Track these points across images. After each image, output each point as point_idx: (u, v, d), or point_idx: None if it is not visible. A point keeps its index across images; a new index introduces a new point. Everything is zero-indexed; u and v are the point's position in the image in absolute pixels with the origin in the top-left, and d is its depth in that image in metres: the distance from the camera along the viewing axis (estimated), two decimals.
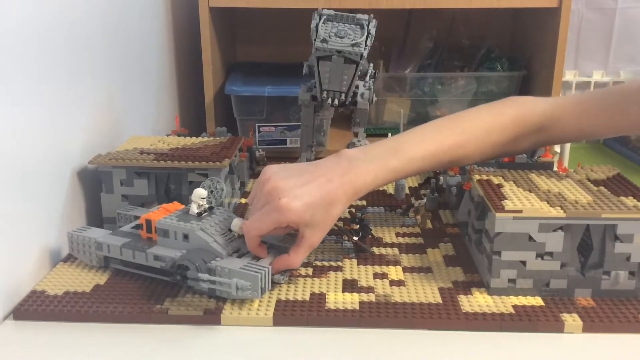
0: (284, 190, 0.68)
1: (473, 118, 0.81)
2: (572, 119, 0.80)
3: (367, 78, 0.96)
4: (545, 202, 0.69)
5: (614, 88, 0.82)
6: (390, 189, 1.06)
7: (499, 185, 0.74)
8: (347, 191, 0.71)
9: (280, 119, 1.28)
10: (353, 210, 0.84)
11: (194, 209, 0.73)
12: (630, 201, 0.69)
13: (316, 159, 1.19)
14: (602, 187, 0.74)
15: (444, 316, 0.65)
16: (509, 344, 0.63)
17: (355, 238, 0.80)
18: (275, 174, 0.71)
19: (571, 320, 0.65)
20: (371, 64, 0.95)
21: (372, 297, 0.69)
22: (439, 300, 0.69)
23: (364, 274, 0.75)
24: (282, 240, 0.75)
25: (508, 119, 0.81)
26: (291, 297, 0.69)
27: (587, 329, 0.64)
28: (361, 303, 0.68)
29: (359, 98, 0.96)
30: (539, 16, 1.32)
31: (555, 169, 0.84)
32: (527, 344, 0.63)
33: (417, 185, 1.09)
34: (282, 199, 0.67)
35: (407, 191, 1.04)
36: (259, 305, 0.67)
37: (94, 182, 0.89)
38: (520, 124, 0.81)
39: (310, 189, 0.69)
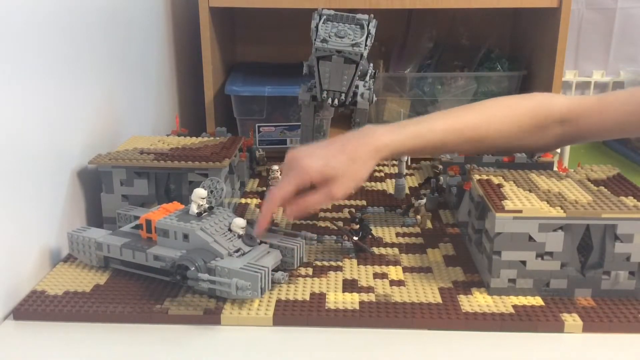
0: (304, 154, 0.71)
1: (496, 102, 0.83)
2: (594, 113, 0.80)
3: (367, 78, 0.96)
4: (545, 202, 0.69)
5: (635, 88, 0.83)
6: (390, 189, 1.06)
7: (499, 185, 0.74)
8: (368, 149, 0.73)
9: (280, 119, 1.28)
10: (353, 210, 0.84)
11: (194, 209, 0.73)
12: (630, 201, 0.69)
13: None
14: (602, 187, 0.74)
15: (444, 316, 0.65)
16: (509, 344, 0.63)
17: (355, 238, 0.80)
18: (296, 148, 0.74)
19: (571, 320, 0.65)
20: (371, 64, 0.94)
21: (372, 297, 0.69)
22: (439, 300, 0.69)
23: (364, 274, 0.75)
24: (282, 240, 0.75)
25: (530, 104, 0.81)
26: (291, 297, 0.69)
27: (587, 329, 0.64)
28: (361, 303, 0.68)
29: (359, 98, 0.96)
30: (539, 16, 1.32)
31: (555, 169, 0.84)
32: (527, 344, 0.63)
33: (417, 185, 1.09)
34: (302, 160, 0.70)
35: (407, 191, 1.04)
36: (259, 305, 0.67)
37: (94, 182, 0.89)
38: (543, 112, 0.81)
39: (330, 149, 0.72)
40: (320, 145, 0.75)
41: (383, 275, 0.75)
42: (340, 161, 0.71)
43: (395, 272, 0.76)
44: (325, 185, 0.71)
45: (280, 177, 1.00)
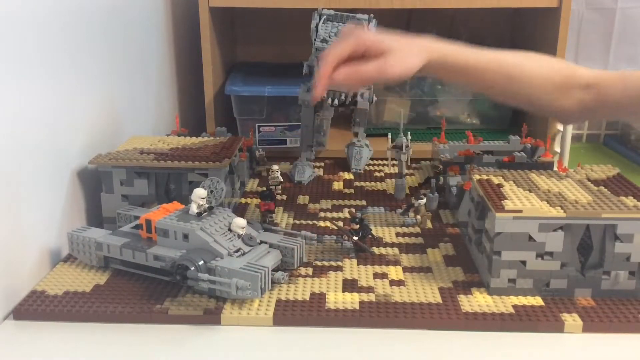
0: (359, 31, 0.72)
1: (531, 53, 0.84)
2: (616, 83, 0.81)
3: None
4: (545, 202, 0.69)
5: None
6: (390, 189, 1.06)
7: (499, 185, 0.74)
8: (420, 42, 0.74)
9: (280, 119, 1.28)
10: (353, 210, 0.84)
11: (194, 208, 0.73)
12: (630, 201, 0.69)
13: (316, 158, 1.20)
14: (602, 187, 0.74)
15: (444, 316, 0.65)
16: (509, 344, 0.63)
17: (355, 238, 0.80)
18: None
19: (571, 320, 0.65)
20: None
21: (372, 297, 0.69)
22: (439, 300, 0.69)
23: (364, 274, 0.75)
24: (282, 240, 0.75)
25: (560, 64, 0.84)
26: (291, 297, 0.69)
27: (587, 329, 0.64)
28: (361, 303, 0.68)
29: (359, 98, 0.96)
30: (539, 16, 1.32)
31: (555, 169, 0.84)
32: (527, 344, 0.63)
33: (417, 185, 1.09)
34: (361, 31, 0.71)
35: (407, 191, 1.04)
36: (259, 305, 0.67)
37: (94, 182, 0.89)
38: (571, 72, 0.82)
39: (384, 35, 0.72)
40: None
41: (383, 275, 0.75)
42: (396, 39, 0.71)
43: (395, 272, 0.76)
44: (381, 56, 0.69)
45: (278, 176, 1.00)
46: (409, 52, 0.72)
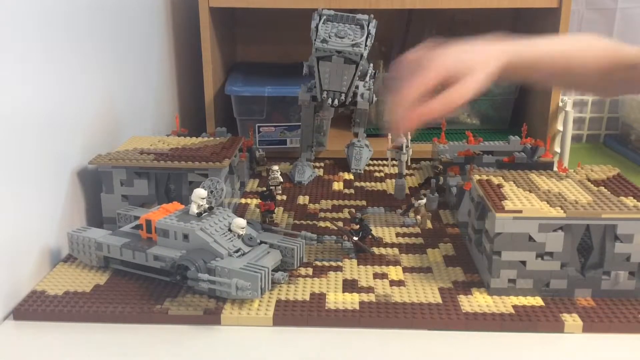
0: (430, 54, 0.66)
1: (582, 36, 0.82)
2: None
3: (367, 78, 0.96)
4: (545, 202, 0.69)
5: None
6: (390, 189, 1.06)
7: (499, 185, 0.74)
8: (494, 47, 0.70)
9: (280, 119, 1.28)
10: (353, 210, 0.84)
11: (194, 209, 0.73)
12: (630, 201, 0.69)
13: (316, 158, 1.20)
14: (602, 187, 0.74)
15: (444, 316, 0.65)
16: (509, 344, 0.63)
17: (355, 238, 0.80)
18: (414, 51, 0.70)
19: (571, 320, 0.65)
20: (371, 64, 0.95)
21: (372, 297, 0.69)
22: (439, 300, 0.69)
23: (364, 274, 0.75)
24: (282, 240, 0.75)
25: (605, 41, 0.80)
26: (291, 297, 0.69)
27: (587, 329, 0.64)
28: (361, 303, 0.68)
29: (359, 98, 0.96)
30: (539, 16, 1.32)
31: (555, 169, 0.84)
32: (527, 344, 0.63)
33: (417, 185, 1.09)
34: (432, 58, 0.65)
35: (407, 191, 1.04)
36: (259, 305, 0.67)
37: (94, 182, 0.89)
38: (617, 51, 0.79)
39: (457, 48, 0.68)
40: (443, 45, 0.69)
41: (383, 275, 0.75)
42: (471, 54, 0.67)
43: (395, 272, 0.76)
44: (455, 82, 0.65)
45: (278, 176, 1.00)
46: (485, 66, 0.68)
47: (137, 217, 0.78)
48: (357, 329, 0.65)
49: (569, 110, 1.34)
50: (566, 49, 0.78)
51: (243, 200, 1.01)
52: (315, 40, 0.88)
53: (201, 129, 1.22)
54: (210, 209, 0.74)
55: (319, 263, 0.78)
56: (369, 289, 0.71)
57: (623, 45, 0.81)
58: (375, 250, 0.82)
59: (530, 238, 0.67)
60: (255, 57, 1.61)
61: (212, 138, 0.99)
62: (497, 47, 0.71)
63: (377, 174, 1.15)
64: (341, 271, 0.76)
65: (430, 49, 0.67)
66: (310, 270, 0.76)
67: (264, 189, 0.96)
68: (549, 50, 0.76)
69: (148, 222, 0.73)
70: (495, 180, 0.76)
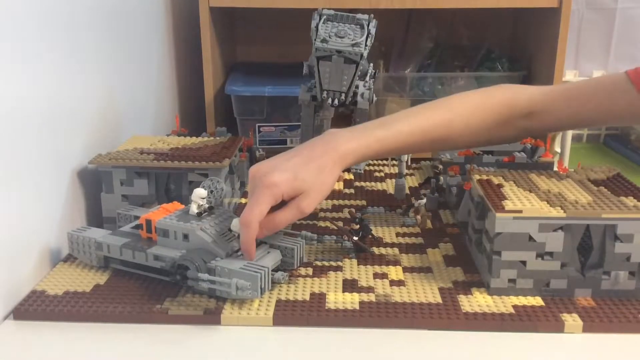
0: (269, 169, 0.69)
1: (462, 98, 0.82)
2: (560, 104, 0.80)
3: (367, 78, 0.96)
4: (545, 202, 0.69)
5: (604, 77, 0.82)
6: (390, 189, 1.06)
7: (499, 185, 0.74)
8: (332, 156, 0.71)
9: (280, 119, 1.28)
10: (353, 210, 0.84)
11: (194, 209, 0.73)
12: (630, 201, 0.69)
13: None
14: (602, 187, 0.74)
15: (444, 316, 0.65)
16: (509, 344, 0.63)
17: (355, 238, 0.80)
18: (259, 163, 0.72)
19: (571, 320, 0.65)
20: (371, 64, 0.95)
21: (372, 297, 0.69)
22: (439, 300, 0.69)
23: (364, 274, 0.75)
24: (282, 240, 0.75)
25: (496, 100, 0.81)
26: (291, 297, 0.69)
27: (587, 329, 0.64)
28: (361, 303, 0.68)
29: (359, 98, 0.96)
30: (539, 16, 1.32)
31: (555, 169, 0.84)
32: (527, 344, 0.63)
33: (417, 185, 1.09)
34: (269, 176, 0.67)
35: (407, 191, 1.04)
36: (259, 305, 0.67)
37: (94, 182, 0.89)
38: (509, 107, 0.80)
39: (295, 161, 0.70)
40: (284, 156, 0.71)
41: (383, 275, 0.75)
42: (308, 172, 0.69)
43: (395, 272, 0.76)
44: (295, 199, 0.69)
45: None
46: (322, 184, 0.70)
47: (137, 217, 0.78)
48: (357, 329, 0.65)
49: None
50: (431, 126, 0.78)
51: (243, 200, 1.01)
52: (315, 40, 0.88)
53: (201, 128, 1.22)
54: (211, 208, 0.74)
55: (319, 263, 0.78)
56: (369, 289, 0.71)
57: (524, 92, 0.82)
58: (375, 250, 0.82)
59: (530, 238, 0.67)
60: (255, 57, 1.61)
61: (212, 138, 0.99)
62: (342, 150, 0.72)
63: (377, 174, 1.15)
64: (341, 271, 0.76)
65: (265, 171, 0.69)
66: (310, 270, 0.76)
67: None
68: (398, 137, 0.76)
69: (148, 222, 0.73)
70: (495, 180, 0.76)
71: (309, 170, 0.69)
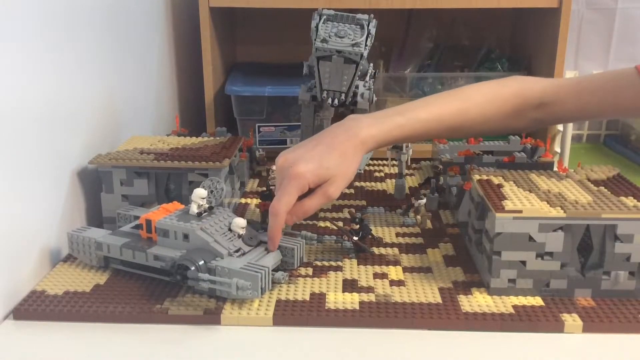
0: (294, 159, 0.71)
1: (477, 87, 0.84)
2: (571, 96, 0.82)
3: (367, 78, 0.96)
4: (545, 202, 0.69)
5: (613, 71, 0.84)
6: (390, 189, 1.06)
7: (499, 185, 0.74)
8: (354, 142, 0.73)
9: (280, 119, 1.28)
10: (353, 210, 0.84)
11: (194, 208, 0.73)
12: (630, 201, 0.69)
13: None
14: (602, 187, 0.74)
15: (444, 316, 0.65)
16: (509, 344, 0.63)
17: (355, 238, 0.80)
18: (284, 152, 0.74)
19: (571, 320, 0.65)
20: (371, 64, 0.94)
21: (372, 297, 0.69)
22: (439, 300, 0.69)
23: (364, 274, 0.75)
24: (282, 240, 0.75)
25: (510, 90, 0.83)
26: (291, 297, 0.69)
27: (587, 329, 0.64)
28: (361, 303, 0.68)
29: (359, 98, 0.95)
30: (539, 16, 1.32)
31: (555, 169, 0.84)
32: (527, 344, 0.63)
33: (417, 185, 1.09)
34: (295, 166, 0.70)
35: (407, 191, 1.04)
36: (259, 305, 0.67)
37: (94, 182, 0.89)
38: (521, 97, 0.82)
39: (318, 149, 0.72)
40: (308, 144, 0.74)
41: (383, 275, 0.75)
42: (332, 160, 0.71)
43: (395, 272, 0.76)
44: (321, 186, 0.71)
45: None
46: (346, 169, 0.72)
47: (137, 217, 0.78)
48: (357, 329, 0.65)
49: None
50: (446, 115, 0.80)
51: (243, 200, 1.01)
52: (315, 40, 0.88)
53: (201, 129, 1.22)
54: (211, 208, 0.74)
55: (319, 263, 0.78)
56: (369, 289, 0.71)
57: (535, 84, 0.84)
58: (375, 250, 0.82)
59: (530, 238, 0.67)
60: (255, 57, 1.61)
61: (212, 138, 0.99)
62: (363, 136, 0.74)
63: (377, 174, 1.15)
64: (341, 271, 0.76)
65: (291, 161, 0.71)
66: (310, 270, 0.76)
67: (264, 189, 0.95)
68: (416, 125, 0.78)
69: (148, 222, 0.73)
70: (495, 180, 0.76)
71: (332, 158, 0.71)
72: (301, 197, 0.71)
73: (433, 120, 0.79)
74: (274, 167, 1.00)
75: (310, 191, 0.71)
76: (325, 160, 0.71)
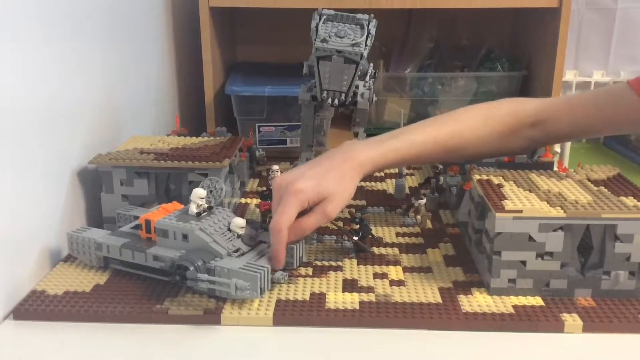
0: (293, 178, 0.71)
1: (470, 110, 0.86)
2: (565, 112, 0.83)
3: (367, 78, 0.96)
4: (545, 202, 0.69)
5: (606, 87, 0.85)
6: (390, 189, 1.06)
7: (499, 185, 0.74)
8: (351, 164, 0.75)
9: (280, 119, 1.28)
10: (353, 210, 0.84)
11: (193, 208, 0.73)
12: (630, 201, 0.69)
13: None
14: (602, 187, 0.74)
15: (444, 316, 0.65)
16: (509, 344, 0.63)
17: (355, 238, 0.80)
18: (282, 174, 0.75)
19: (571, 320, 0.65)
20: (371, 64, 0.94)
21: (372, 297, 0.69)
22: (439, 300, 0.69)
23: (364, 274, 0.75)
24: None
25: (503, 111, 0.84)
26: (291, 297, 0.69)
27: (587, 329, 0.64)
28: (361, 303, 0.68)
29: (359, 98, 0.95)
30: (539, 16, 1.32)
31: (555, 169, 0.84)
32: (527, 344, 0.63)
33: (417, 185, 1.09)
34: (294, 183, 0.70)
35: (407, 191, 1.04)
36: (259, 305, 0.67)
37: (94, 182, 0.89)
38: (515, 117, 0.83)
39: (317, 170, 0.73)
40: (306, 166, 0.75)
41: (383, 275, 0.75)
42: (331, 179, 0.72)
43: (395, 272, 0.76)
44: (320, 205, 0.71)
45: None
46: (345, 190, 0.73)
47: (136, 217, 0.78)
48: (357, 329, 0.65)
49: None
50: (442, 136, 0.81)
51: (243, 200, 1.01)
52: (315, 40, 0.88)
53: (201, 128, 1.22)
54: (210, 208, 0.74)
55: (319, 263, 0.78)
56: (369, 289, 0.71)
57: (528, 104, 0.85)
58: (375, 250, 0.82)
59: (530, 238, 0.67)
60: (255, 57, 1.61)
61: (212, 138, 0.99)
62: (360, 158, 0.76)
63: (377, 174, 1.15)
64: (341, 271, 0.76)
65: (289, 179, 0.71)
66: (310, 270, 0.76)
67: (264, 189, 0.95)
68: (412, 146, 0.79)
69: (147, 222, 0.73)
70: (495, 180, 0.76)
71: (331, 178, 0.72)
72: (298, 217, 0.71)
73: (428, 142, 0.80)
74: (274, 167, 1.00)
75: (306, 211, 0.71)
76: (324, 180, 0.72)
